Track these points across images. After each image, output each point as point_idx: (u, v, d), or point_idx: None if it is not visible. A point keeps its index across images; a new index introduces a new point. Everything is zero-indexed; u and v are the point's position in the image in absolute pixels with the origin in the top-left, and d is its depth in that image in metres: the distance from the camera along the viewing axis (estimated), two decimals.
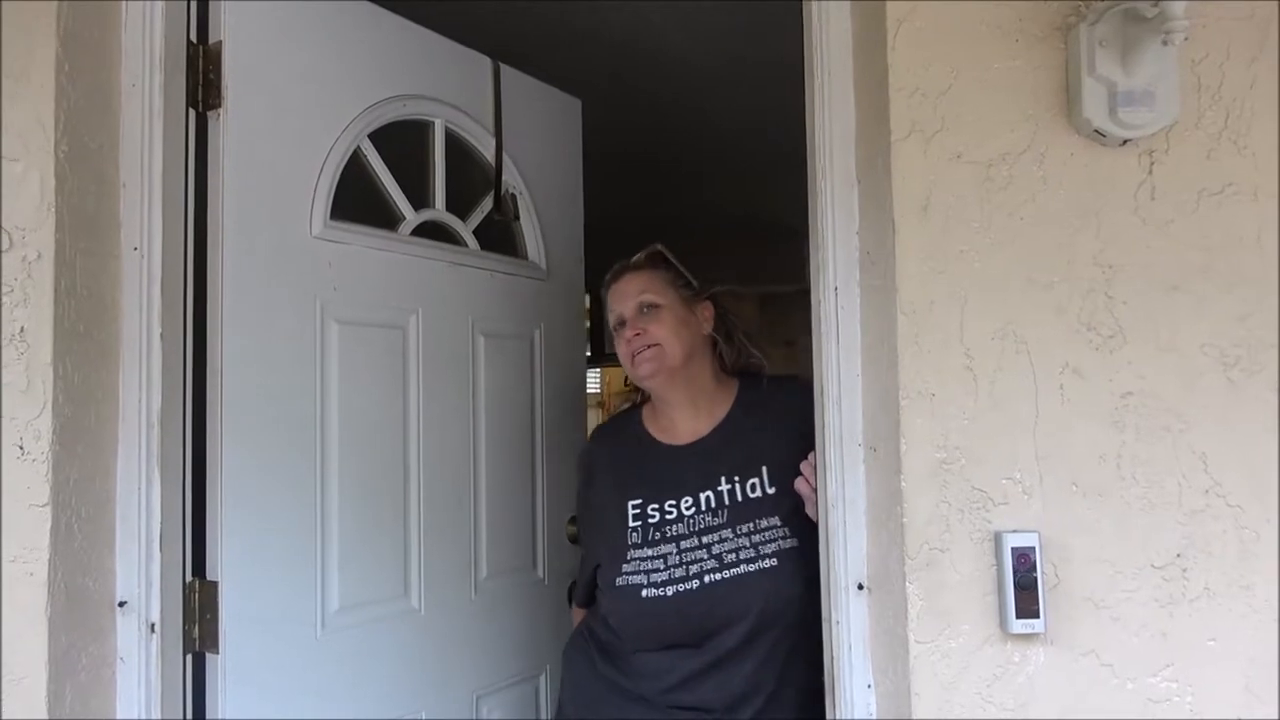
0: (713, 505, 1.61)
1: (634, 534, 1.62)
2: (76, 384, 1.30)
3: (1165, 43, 1.17)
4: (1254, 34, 1.27)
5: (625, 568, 1.60)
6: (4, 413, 1.24)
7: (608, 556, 1.65)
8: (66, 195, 1.28)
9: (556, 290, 2.22)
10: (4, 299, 1.25)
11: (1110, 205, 1.26)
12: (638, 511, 1.64)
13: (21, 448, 1.24)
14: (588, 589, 1.75)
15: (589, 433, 2.08)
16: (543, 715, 2.11)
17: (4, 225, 1.25)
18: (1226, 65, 1.26)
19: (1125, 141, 1.25)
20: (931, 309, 1.26)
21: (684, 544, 1.59)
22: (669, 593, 1.56)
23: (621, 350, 1.69)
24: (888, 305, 1.29)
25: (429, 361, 1.86)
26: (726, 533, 1.58)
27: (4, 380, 1.24)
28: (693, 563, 1.57)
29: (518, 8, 2.42)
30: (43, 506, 1.24)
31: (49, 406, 1.25)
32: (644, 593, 1.57)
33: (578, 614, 1.83)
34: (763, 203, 4.77)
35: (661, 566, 1.58)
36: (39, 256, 1.26)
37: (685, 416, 1.70)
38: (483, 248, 2.03)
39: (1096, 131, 1.25)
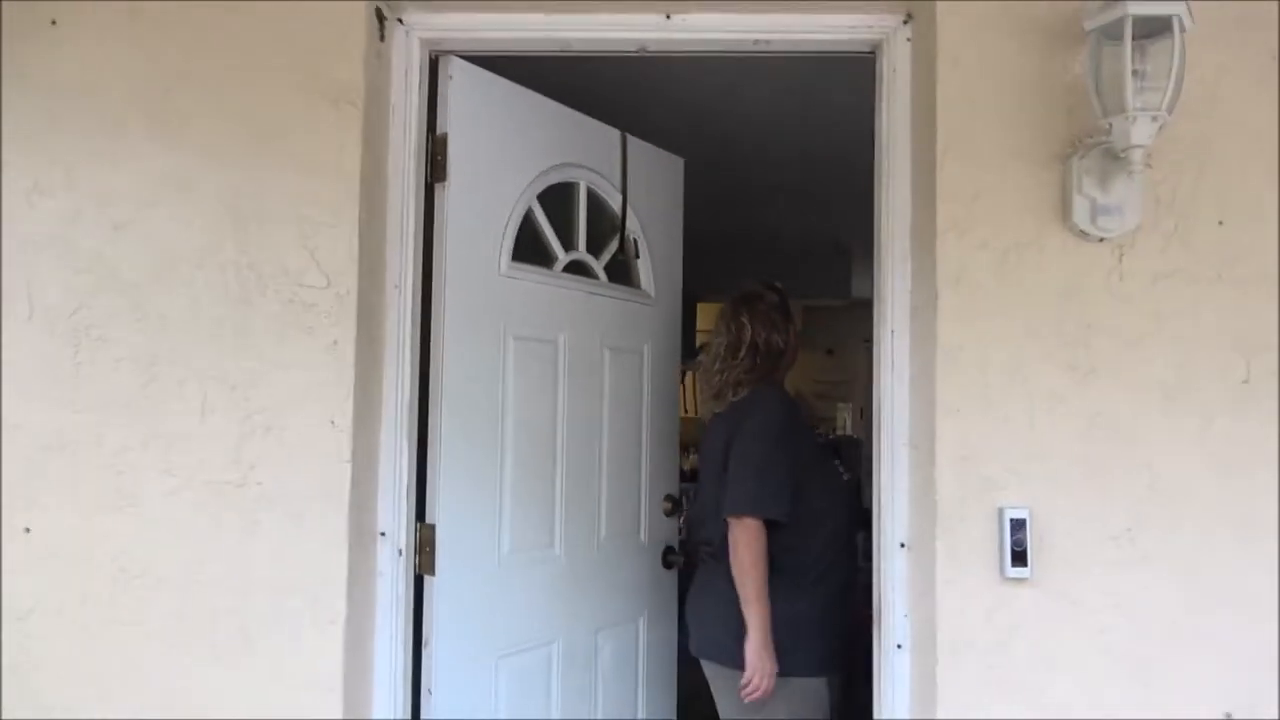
0: None
1: None
2: (364, 380, 1.87)
3: (1130, 174, 1.71)
4: (1196, 163, 1.80)
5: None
6: (320, 398, 1.82)
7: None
8: (362, 249, 1.86)
9: (660, 313, 2.78)
10: (323, 319, 1.83)
11: (1089, 283, 1.79)
12: None
13: (334, 422, 1.82)
14: (792, 503, 2.19)
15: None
16: (640, 650, 2.67)
17: (324, 270, 1.83)
18: (1176, 187, 1.79)
19: (1102, 239, 1.79)
20: (961, 350, 1.80)
21: None
22: None
23: None
24: (929, 346, 1.83)
25: (571, 369, 2.43)
26: None
27: (321, 376, 1.82)
28: None
29: (633, 79, 2.94)
30: (345, 463, 1.82)
31: (351, 395, 1.83)
32: None
33: (754, 532, 2.13)
34: (815, 224, 5.32)
35: None
36: (348, 292, 1.83)
37: None
38: (609, 280, 2.59)
39: (1082, 232, 1.78)
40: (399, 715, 1.96)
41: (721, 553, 2.22)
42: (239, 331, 1.83)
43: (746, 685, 2.10)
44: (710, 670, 2.25)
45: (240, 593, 1.81)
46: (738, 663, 2.13)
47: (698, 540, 2.48)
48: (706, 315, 7.38)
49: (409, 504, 1.98)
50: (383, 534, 1.95)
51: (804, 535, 2.20)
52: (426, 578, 2.07)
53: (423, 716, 2.05)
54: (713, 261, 5.40)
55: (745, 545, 2.13)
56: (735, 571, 2.14)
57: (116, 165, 1.84)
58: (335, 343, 1.83)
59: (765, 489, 2.16)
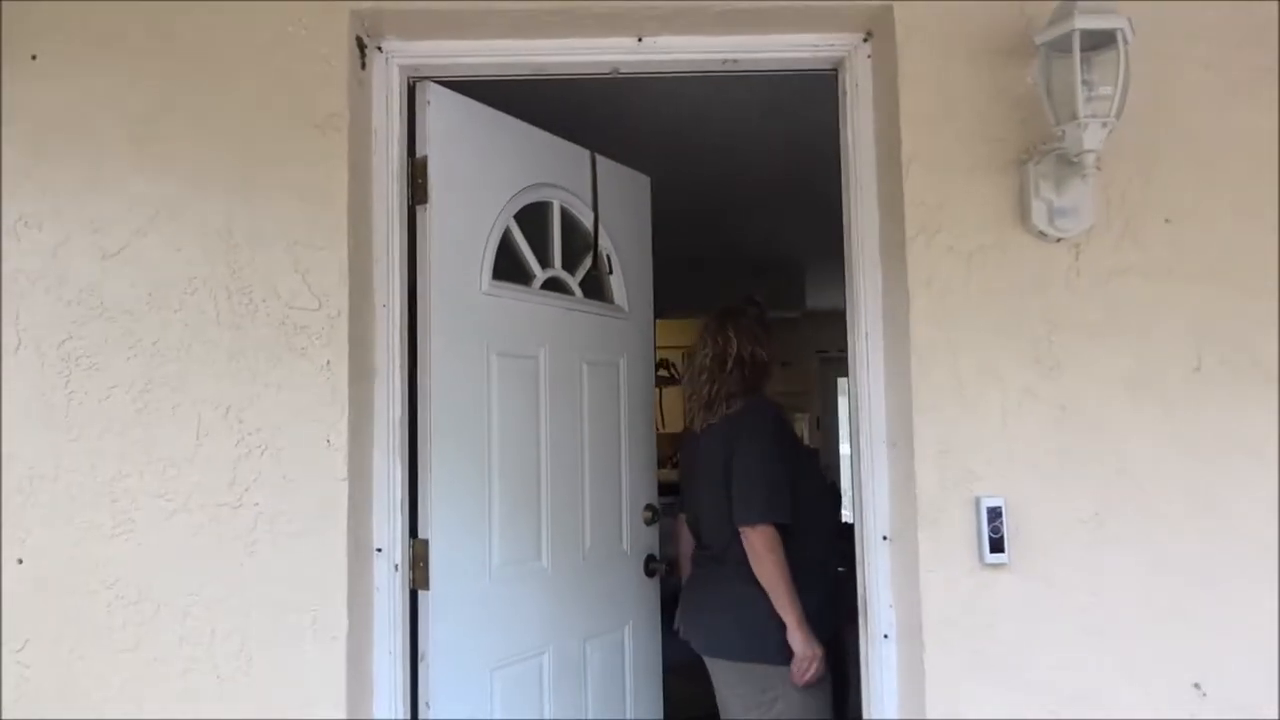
0: None
1: None
2: (356, 399, 1.90)
3: (1083, 177, 1.82)
4: (1144, 167, 1.92)
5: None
6: (315, 418, 1.85)
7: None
8: (352, 270, 1.90)
9: (634, 327, 2.84)
10: (315, 341, 1.86)
11: (1050, 281, 1.89)
12: None
13: (329, 441, 1.85)
14: (792, 505, 2.30)
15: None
16: (627, 657, 2.71)
17: (315, 292, 1.86)
18: (1126, 189, 1.91)
19: (1059, 239, 1.89)
20: (933, 350, 1.88)
21: None
22: None
23: None
24: (903, 348, 1.92)
25: (552, 383, 2.48)
26: None
27: (315, 396, 1.85)
28: None
29: (605, 97, 3.00)
30: (342, 481, 1.85)
31: (345, 414, 1.86)
32: None
33: (774, 538, 2.26)
34: (769, 238, 5.44)
35: None
36: (339, 313, 1.87)
37: None
38: (584, 295, 2.65)
39: (1040, 233, 1.89)
40: None
41: (725, 557, 2.35)
42: (232, 355, 1.85)
43: (802, 672, 2.23)
44: (716, 666, 2.36)
45: (240, 613, 1.82)
46: (743, 656, 2.28)
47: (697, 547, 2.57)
48: (664, 332, 7.50)
49: (403, 520, 2.01)
50: (379, 550, 1.97)
51: (802, 536, 2.31)
52: (420, 592, 2.10)
53: None
54: (668, 279, 5.50)
55: (766, 550, 2.25)
56: (763, 576, 2.26)
57: (104, 195, 1.86)
58: (328, 363, 1.86)
59: (774, 496, 2.28)
